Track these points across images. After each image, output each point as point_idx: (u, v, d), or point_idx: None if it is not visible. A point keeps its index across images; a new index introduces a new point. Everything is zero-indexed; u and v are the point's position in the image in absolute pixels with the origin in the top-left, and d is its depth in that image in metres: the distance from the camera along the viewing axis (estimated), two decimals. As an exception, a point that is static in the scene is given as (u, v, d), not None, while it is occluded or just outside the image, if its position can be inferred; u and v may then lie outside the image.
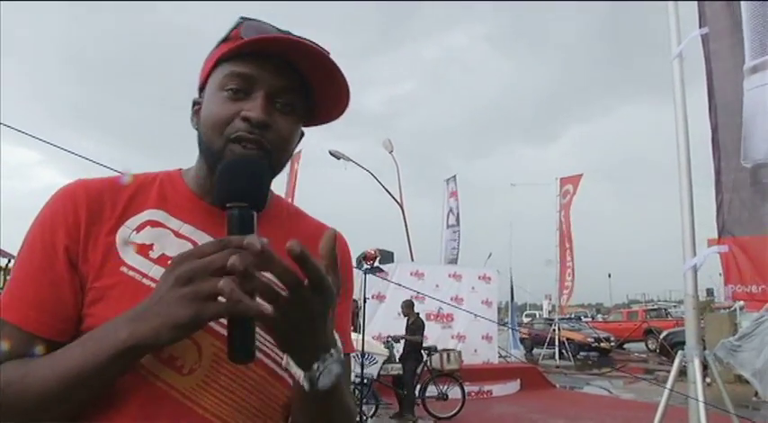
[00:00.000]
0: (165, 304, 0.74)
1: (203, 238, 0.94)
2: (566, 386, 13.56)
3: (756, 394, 10.86)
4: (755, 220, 3.03)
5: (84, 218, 0.91)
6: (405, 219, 20.52)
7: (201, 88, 1.00)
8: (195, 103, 1.00)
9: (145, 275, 0.89)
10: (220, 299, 0.73)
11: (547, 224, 20.34)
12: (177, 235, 0.94)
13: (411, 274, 13.30)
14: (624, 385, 14.11)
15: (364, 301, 7.70)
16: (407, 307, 9.47)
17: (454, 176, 22.30)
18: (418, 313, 9.48)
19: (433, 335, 13.60)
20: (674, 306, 30.64)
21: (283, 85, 0.93)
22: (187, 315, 0.73)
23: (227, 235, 0.77)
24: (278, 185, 1.00)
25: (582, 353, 21.03)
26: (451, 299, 13.92)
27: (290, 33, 0.95)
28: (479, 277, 14.37)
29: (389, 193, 20.46)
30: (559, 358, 18.95)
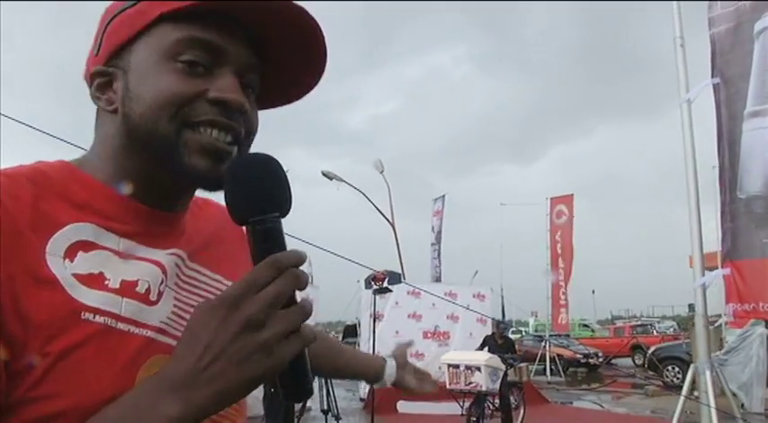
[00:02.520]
0: (236, 358, 0.56)
1: (156, 255, 0.72)
2: (558, 401, 13.84)
3: (743, 406, 11.25)
4: (749, 246, 3.43)
5: (14, 240, 0.60)
6: (396, 238, 20.86)
7: (114, 53, 0.72)
8: (102, 74, 0.72)
9: (117, 317, 0.64)
10: None
11: (536, 242, 20.78)
12: (123, 256, 0.68)
13: (408, 292, 13.60)
14: (614, 400, 14.43)
15: (374, 321, 8.01)
16: (500, 328, 10.50)
17: (443, 196, 22.69)
18: (505, 333, 10.56)
19: (430, 352, 13.90)
20: (658, 321, 31.15)
21: (252, 62, 0.73)
22: (272, 365, 0.57)
23: (255, 253, 0.61)
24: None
25: (571, 368, 21.37)
26: (447, 317, 14.24)
27: None
28: (474, 295, 14.70)
29: (381, 214, 20.78)
30: (550, 374, 19.27)
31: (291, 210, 0.65)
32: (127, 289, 0.66)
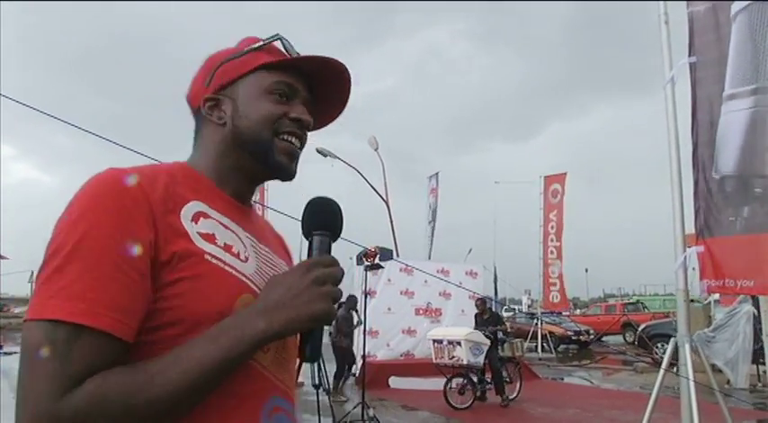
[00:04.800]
0: (306, 299, 0.87)
1: (240, 232, 1.02)
2: (548, 377, 14.03)
3: (728, 382, 11.42)
4: (722, 224, 3.50)
5: (157, 207, 0.89)
6: (390, 216, 20.90)
7: (223, 86, 1.06)
8: (212, 99, 1.06)
9: (224, 262, 0.94)
10: None
11: (530, 220, 20.86)
12: (225, 227, 0.99)
13: (401, 270, 13.66)
14: (604, 376, 14.64)
15: (365, 297, 8.08)
16: (483, 303, 10.63)
17: (437, 174, 22.71)
18: (491, 307, 10.77)
19: (423, 329, 14.04)
20: (650, 300, 31.40)
21: (310, 98, 1.11)
22: (325, 310, 0.88)
23: (310, 255, 0.97)
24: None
25: (562, 345, 21.62)
26: (440, 294, 14.35)
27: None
28: (466, 273, 14.80)
29: (375, 191, 20.80)
30: (541, 351, 19.50)
31: (341, 234, 1.02)
32: (227, 248, 0.96)
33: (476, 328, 10.02)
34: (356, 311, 10.69)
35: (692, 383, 3.24)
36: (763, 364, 12.44)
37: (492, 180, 26.67)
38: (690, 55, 3.57)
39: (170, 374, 0.79)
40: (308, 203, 1.02)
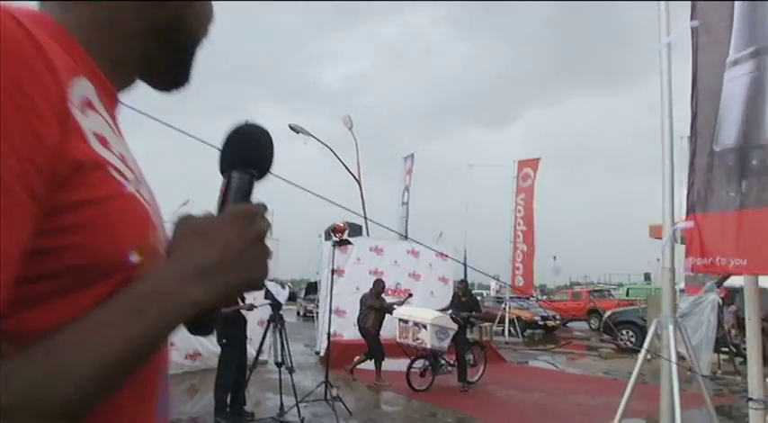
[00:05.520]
0: (248, 260, 0.65)
1: (123, 140, 0.71)
2: (514, 361, 14.06)
3: (690, 369, 11.57)
4: (717, 199, 3.29)
5: (64, 85, 0.56)
6: (362, 195, 20.70)
7: None
8: None
9: (127, 179, 0.63)
10: None
11: (502, 205, 20.84)
12: (110, 127, 0.66)
13: (370, 249, 13.47)
14: (568, 361, 14.76)
15: (332, 274, 7.83)
16: (465, 286, 10.64)
17: (412, 155, 22.56)
18: (471, 290, 10.68)
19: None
20: (615, 288, 31.86)
21: None
22: (265, 274, 0.67)
23: (225, 196, 0.72)
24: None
25: (528, 330, 21.80)
26: (409, 275, 14.20)
27: None
28: (436, 255, 14.68)
29: (348, 170, 20.56)
30: (508, 335, 19.60)
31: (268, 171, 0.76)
32: (122, 159, 0.65)
33: (450, 307, 9.89)
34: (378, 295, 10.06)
35: (674, 366, 3.09)
36: (724, 352, 12.66)
37: (466, 164, 26.53)
38: (692, 19, 3.36)
39: (84, 363, 0.52)
40: (231, 132, 0.75)
